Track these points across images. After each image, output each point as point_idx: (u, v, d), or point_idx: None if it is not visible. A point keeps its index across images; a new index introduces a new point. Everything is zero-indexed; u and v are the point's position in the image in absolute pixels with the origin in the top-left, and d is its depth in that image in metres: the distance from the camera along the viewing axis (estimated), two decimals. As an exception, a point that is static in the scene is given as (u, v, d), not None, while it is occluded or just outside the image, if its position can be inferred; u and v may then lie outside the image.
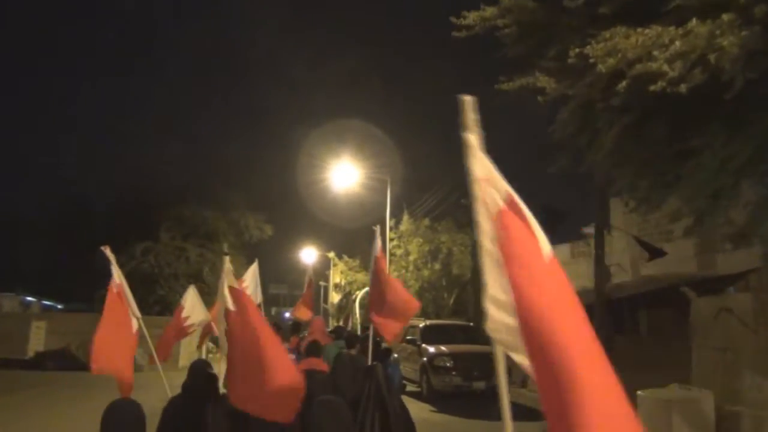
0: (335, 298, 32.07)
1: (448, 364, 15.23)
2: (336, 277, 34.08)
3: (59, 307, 32.75)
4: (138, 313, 6.13)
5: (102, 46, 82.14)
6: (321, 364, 6.69)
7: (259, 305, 12.26)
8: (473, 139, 2.28)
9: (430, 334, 16.72)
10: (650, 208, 8.87)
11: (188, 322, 9.45)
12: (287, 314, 61.14)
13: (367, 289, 24.69)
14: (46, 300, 32.44)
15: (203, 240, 28.74)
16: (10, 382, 18.55)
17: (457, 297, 27.30)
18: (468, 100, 2.26)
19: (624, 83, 6.00)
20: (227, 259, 4.85)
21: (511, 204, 2.30)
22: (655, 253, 13.62)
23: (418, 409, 14.11)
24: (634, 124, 6.47)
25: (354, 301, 15.46)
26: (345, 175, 28.07)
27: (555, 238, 23.72)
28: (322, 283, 55.80)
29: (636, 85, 5.91)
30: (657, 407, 7.83)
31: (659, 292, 15.89)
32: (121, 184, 31.39)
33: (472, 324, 19.63)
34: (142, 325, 6.18)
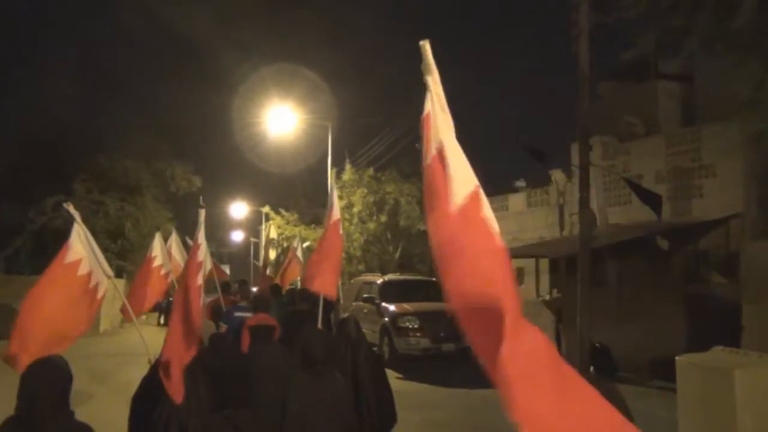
0: (272, 254, 30.03)
1: (413, 325, 13.64)
2: (272, 232, 31.95)
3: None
4: (110, 272, 5.38)
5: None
6: (269, 319, 6.84)
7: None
8: (433, 81, 2.38)
9: (390, 292, 15.06)
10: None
11: (163, 270, 9.32)
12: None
13: (308, 243, 22.75)
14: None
15: (124, 193, 25.94)
16: None
17: (402, 250, 25.87)
18: (425, 44, 2.33)
19: None
20: (203, 212, 5.14)
21: (439, 154, 2.34)
22: (651, 199, 12.25)
23: (382, 376, 12.55)
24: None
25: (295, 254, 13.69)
26: (282, 121, 25.86)
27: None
28: (253, 240, 53.43)
29: None
30: (711, 376, 6.47)
31: (628, 242, 14.84)
32: (25, 132, 27.86)
33: (434, 279, 18.08)
34: (115, 284, 5.62)
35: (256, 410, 3.96)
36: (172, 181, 28.12)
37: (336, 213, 7.36)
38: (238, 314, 7.95)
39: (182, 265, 11.35)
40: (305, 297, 9.61)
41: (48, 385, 2.76)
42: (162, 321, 24.81)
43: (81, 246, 5.25)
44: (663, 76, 21.58)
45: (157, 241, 9.45)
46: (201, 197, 5.49)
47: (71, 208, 5.46)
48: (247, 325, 6.92)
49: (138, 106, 53.35)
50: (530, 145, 14.40)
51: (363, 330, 15.21)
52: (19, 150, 27.93)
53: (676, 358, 6.97)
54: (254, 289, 23.01)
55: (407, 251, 26.22)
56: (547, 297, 18.99)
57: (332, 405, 3.80)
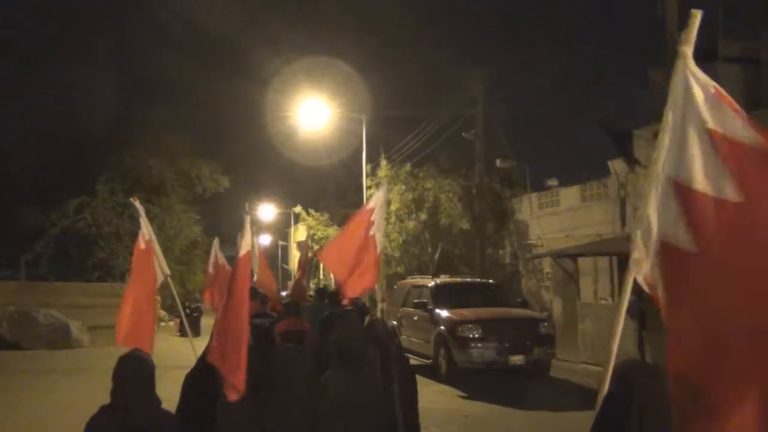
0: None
1: (475, 334, 12.09)
2: (303, 234, 30.56)
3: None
4: (167, 270, 6.12)
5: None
6: (301, 324, 6.82)
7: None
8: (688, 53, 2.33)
9: (444, 296, 13.50)
10: None
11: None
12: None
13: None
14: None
15: (149, 194, 24.65)
16: None
17: (442, 251, 24.30)
18: (696, 14, 2.31)
19: None
20: (248, 218, 5.21)
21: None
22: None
23: (441, 395, 11.08)
24: None
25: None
26: (313, 115, 24.44)
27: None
28: (281, 243, 52.15)
29: None
30: None
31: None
32: (45, 131, 26.72)
33: (492, 282, 16.50)
34: (170, 282, 6.25)
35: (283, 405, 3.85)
36: (198, 182, 26.78)
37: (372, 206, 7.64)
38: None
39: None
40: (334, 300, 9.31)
41: (138, 376, 3.01)
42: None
43: (151, 236, 5.96)
44: (724, 58, 20.09)
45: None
46: (247, 204, 5.27)
47: (137, 203, 6.29)
48: (277, 330, 6.90)
49: (162, 103, 52.20)
50: None
51: (413, 339, 13.71)
52: (39, 150, 26.82)
53: None
54: (284, 294, 21.60)
55: (447, 252, 24.67)
56: (608, 299, 17.48)
57: (368, 401, 3.75)
